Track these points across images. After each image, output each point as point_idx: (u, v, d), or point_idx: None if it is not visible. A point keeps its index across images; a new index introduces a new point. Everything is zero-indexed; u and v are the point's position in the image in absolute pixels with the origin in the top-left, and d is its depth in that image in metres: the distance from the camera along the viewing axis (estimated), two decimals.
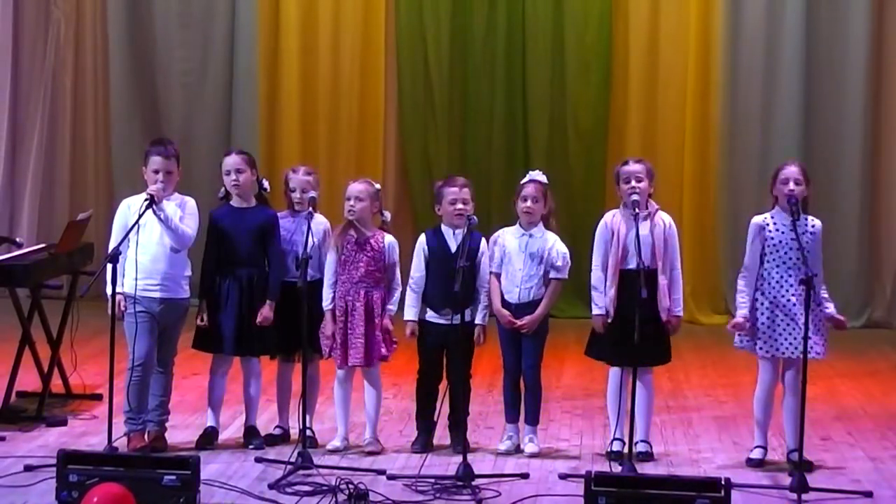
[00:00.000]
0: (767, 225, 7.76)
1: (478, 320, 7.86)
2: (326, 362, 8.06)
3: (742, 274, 7.82)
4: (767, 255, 7.74)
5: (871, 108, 12.80)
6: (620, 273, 7.72)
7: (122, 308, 7.61)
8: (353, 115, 13.25)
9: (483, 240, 7.94)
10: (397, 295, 7.94)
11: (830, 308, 7.73)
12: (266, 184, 8.15)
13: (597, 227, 7.95)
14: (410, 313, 7.93)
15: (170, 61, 13.33)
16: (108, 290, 7.53)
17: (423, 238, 8.03)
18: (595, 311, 7.81)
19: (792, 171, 7.75)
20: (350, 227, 7.92)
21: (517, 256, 7.92)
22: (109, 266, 7.34)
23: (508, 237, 7.97)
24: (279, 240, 7.97)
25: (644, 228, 7.74)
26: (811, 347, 7.46)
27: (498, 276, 7.94)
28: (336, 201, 8.09)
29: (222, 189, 8.05)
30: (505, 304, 7.91)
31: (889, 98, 12.83)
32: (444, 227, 7.99)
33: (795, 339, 7.58)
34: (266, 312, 7.87)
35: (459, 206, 7.92)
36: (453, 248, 7.89)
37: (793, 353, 7.61)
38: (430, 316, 7.93)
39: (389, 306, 7.91)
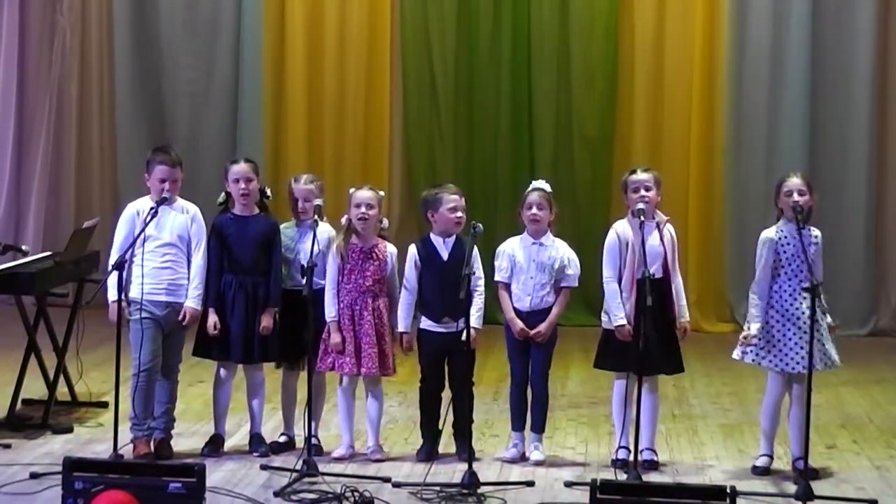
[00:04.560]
0: (780, 238, 7.72)
1: (473, 324, 7.75)
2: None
3: (754, 288, 7.77)
4: (781, 268, 7.71)
5: (877, 117, 12.76)
6: (637, 282, 7.65)
7: (126, 314, 7.59)
8: (358, 123, 13.24)
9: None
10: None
11: (827, 317, 7.73)
12: (269, 191, 8.16)
13: (602, 235, 7.95)
14: (404, 325, 7.91)
15: (175, 69, 13.32)
16: (110, 297, 7.55)
17: (413, 250, 7.97)
18: (617, 322, 7.71)
19: (795, 182, 7.73)
20: (352, 234, 7.91)
21: (528, 266, 7.89)
22: (115, 273, 7.36)
23: (517, 247, 7.96)
24: (280, 248, 7.98)
25: (655, 238, 7.74)
26: (830, 357, 7.57)
27: (507, 285, 7.94)
28: (342, 210, 8.06)
29: (222, 195, 8.07)
30: (516, 312, 7.89)
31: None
32: (433, 237, 7.96)
33: (804, 352, 7.57)
34: (266, 320, 7.88)
35: (459, 213, 7.91)
36: (445, 257, 7.88)
37: (803, 367, 7.55)
38: (430, 325, 7.93)
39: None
